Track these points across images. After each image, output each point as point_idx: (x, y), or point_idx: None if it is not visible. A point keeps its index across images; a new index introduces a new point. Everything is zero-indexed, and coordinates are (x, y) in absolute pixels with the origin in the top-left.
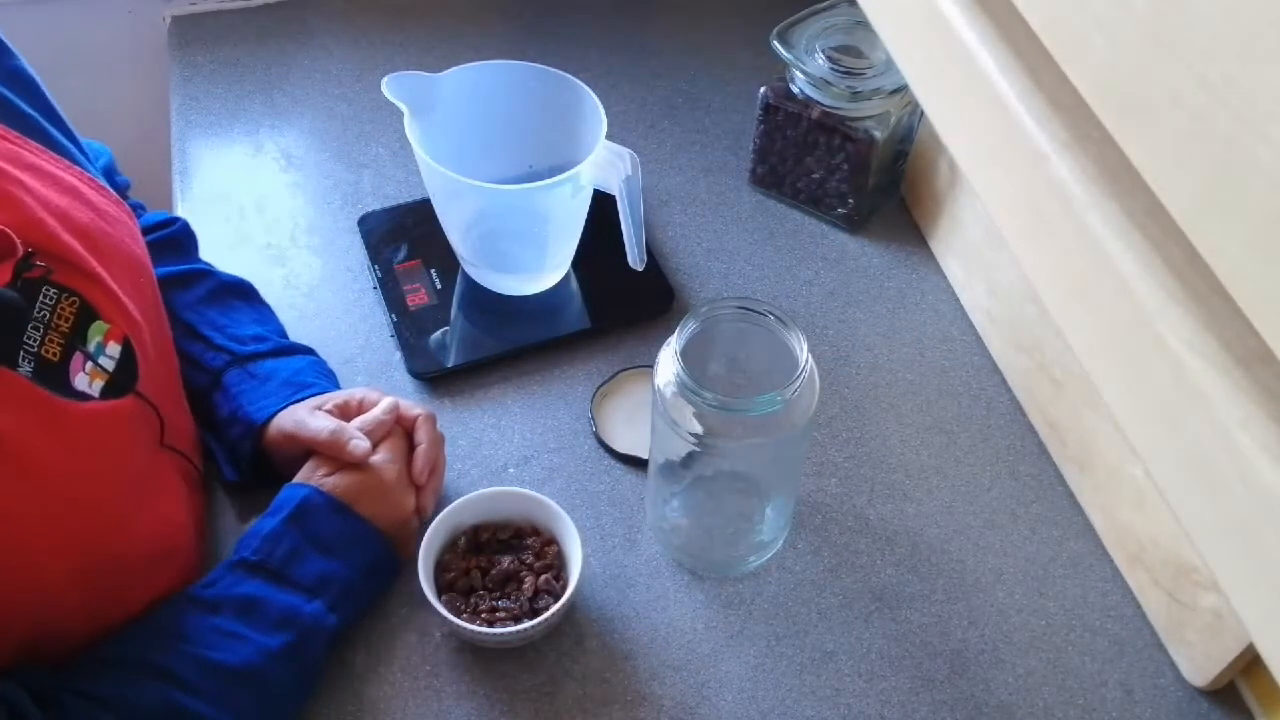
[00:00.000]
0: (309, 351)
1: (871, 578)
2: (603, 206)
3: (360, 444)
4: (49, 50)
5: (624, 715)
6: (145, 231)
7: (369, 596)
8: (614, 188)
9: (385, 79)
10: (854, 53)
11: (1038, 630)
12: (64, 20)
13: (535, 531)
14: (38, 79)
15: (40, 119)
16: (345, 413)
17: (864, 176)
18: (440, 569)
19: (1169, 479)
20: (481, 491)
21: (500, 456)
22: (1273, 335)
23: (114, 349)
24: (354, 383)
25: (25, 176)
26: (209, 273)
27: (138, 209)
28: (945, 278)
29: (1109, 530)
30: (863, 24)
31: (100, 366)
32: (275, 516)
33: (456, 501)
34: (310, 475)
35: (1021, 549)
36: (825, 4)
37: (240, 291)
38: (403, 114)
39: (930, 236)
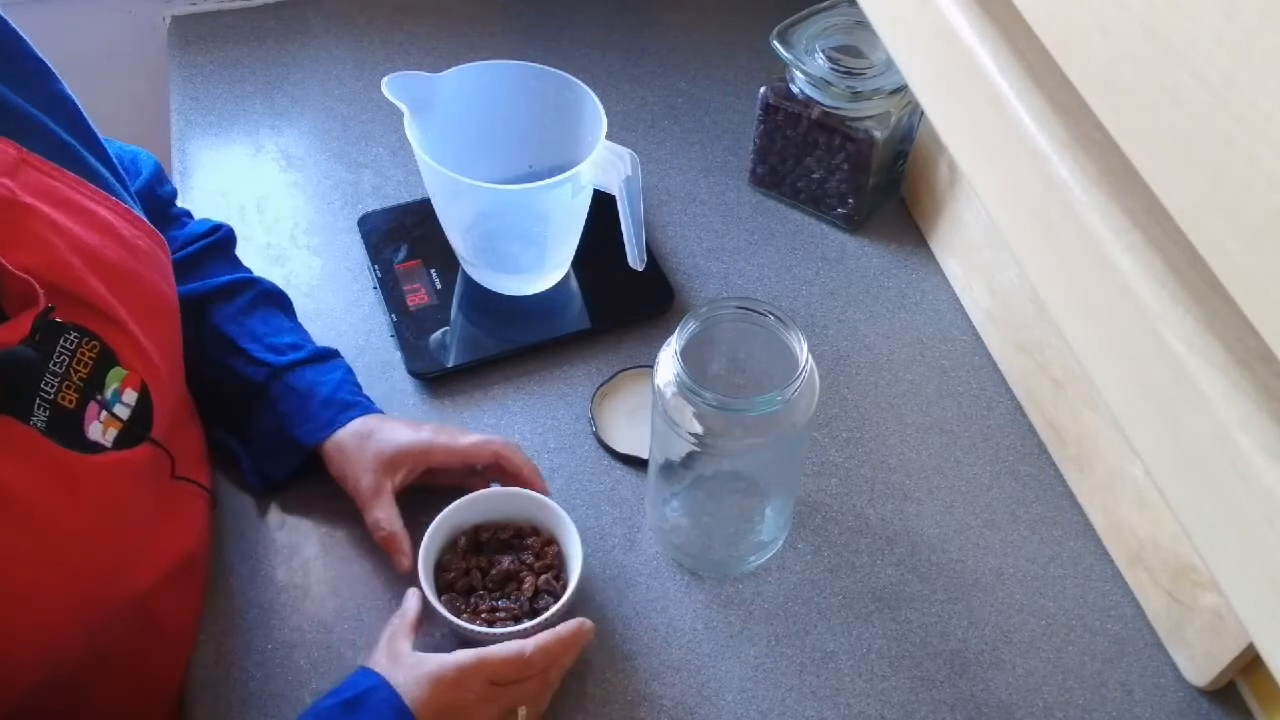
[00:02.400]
0: (338, 354)
1: (871, 578)
2: (603, 206)
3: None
4: (49, 50)
5: (624, 715)
6: (190, 241)
7: None
8: (614, 188)
9: (385, 79)
10: (854, 53)
11: (1038, 630)
12: (64, 20)
13: (535, 531)
14: (77, 101)
15: (79, 146)
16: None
17: (864, 176)
18: (440, 569)
19: (1169, 479)
20: (482, 492)
21: None
22: (1273, 335)
23: (130, 396)
24: None
25: (58, 214)
26: (252, 281)
27: (183, 217)
28: (945, 278)
29: (1109, 530)
30: (863, 24)
31: (115, 415)
32: (334, 698)
33: (456, 502)
34: (400, 659)
35: (1021, 549)
36: (825, 4)
37: (278, 300)
38: (403, 114)
39: (930, 236)
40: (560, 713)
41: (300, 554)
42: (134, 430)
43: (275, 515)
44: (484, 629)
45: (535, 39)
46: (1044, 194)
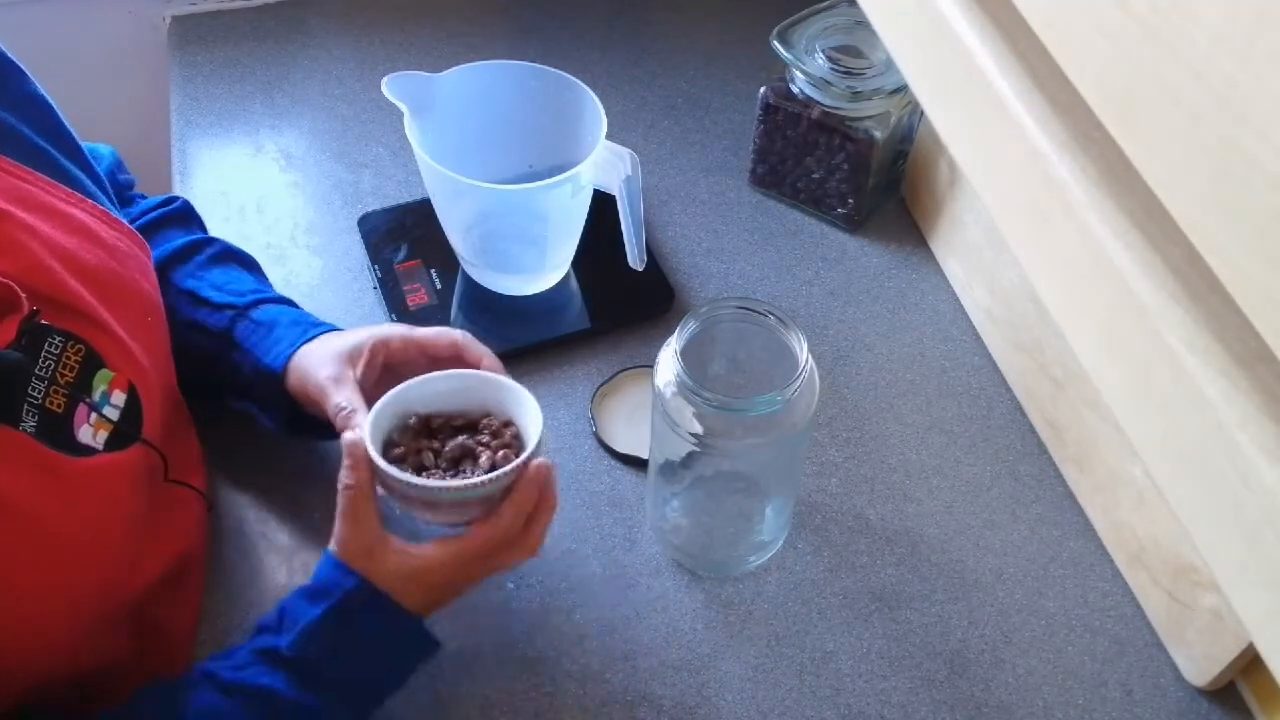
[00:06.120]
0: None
1: (871, 578)
2: (603, 206)
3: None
4: (49, 50)
5: (624, 715)
6: (143, 213)
7: (403, 683)
8: (614, 188)
9: (385, 79)
10: (854, 53)
11: (1038, 630)
12: (64, 20)
13: (489, 415)
14: (51, 103)
15: (50, 149)
16: (401, 356)
17: (864, 176)
18: (388, 446)
19: (1169, 479)
20: (435, 374)
21: None
22: (1273, 335)
23: (119, 397)
24: None
25: (34, 219)
26: (211, 240)
27: (136, 199)
28: (945, 278)
29: (1109, 530)
30: (863, 24)
31: (104, 417)
32: (317, 606)
33: (406, 383)
34: (374, 551)
35: (1021, 549)
36: (825, 4)
37: (244, 260)
38: (403, 114)
39: (930, 236)
40: (560, 713)
41: (300, 554)
42: (124, 431)
43: (275, 515)
44: (437, 483)
45: (535, 39)
46: (1044, 194)
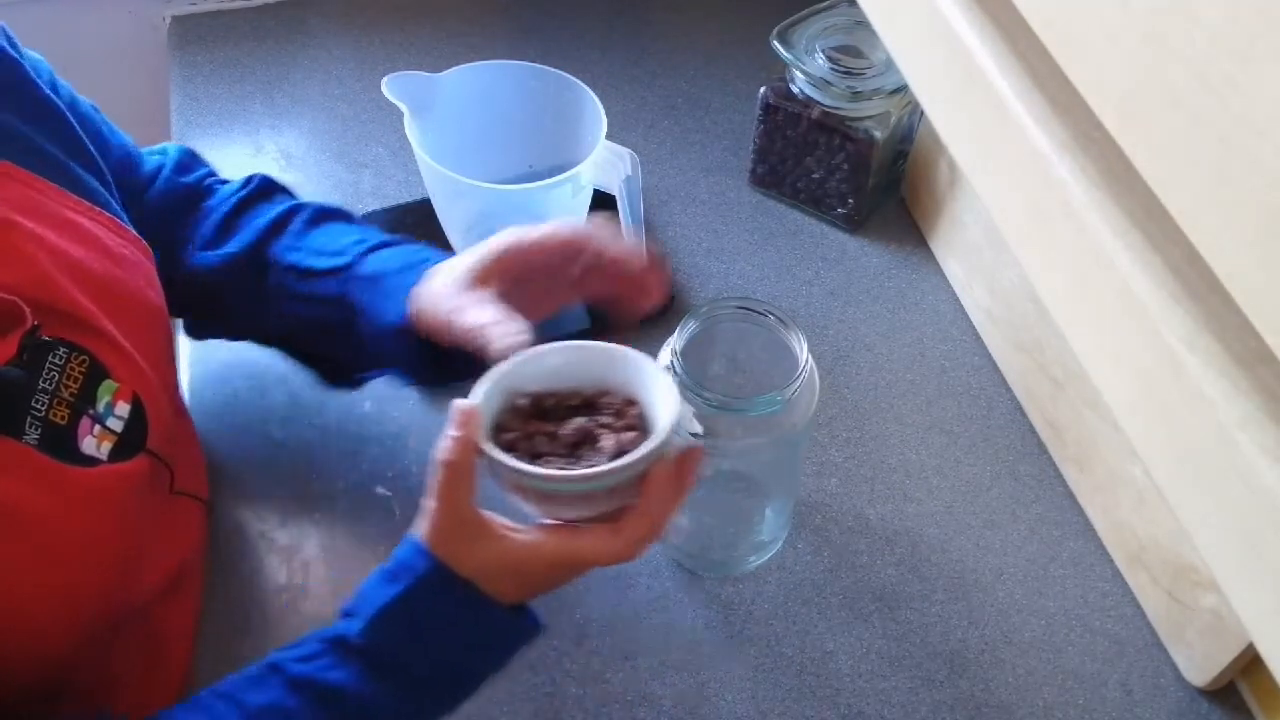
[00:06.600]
0: (409, 239)
1: (871, 578)
2: (603, 206)
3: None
4: (49, 50)
5: (624, 715)
6: (225, 199)
7: (499, 668)
8: (614, 188)
9: (385, 79)
10: (854, 53)
11: (1038, 630)
12: (64, 20)
13: (608, 393)
14: (64, 110)
15: (61, 156)
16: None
17: (864, 176)
18: (497, 431)
19: (1169, 479)
20: (537, 350)
21: None
22: (1273, 335)
23: (123, 409)
24: None
25: (42, 228)
26: (300, 206)
27: (215, 187)
28: (945, 278)
29: (1109, 530)
30: (863, 24)
31: (108, 429)
32: (391, 589)
33: (506, 363)
34: (454, 527)
35: (1021, 549)
36: (825, 4)
37: (339, 214)
38: (403, 114)
39: (930, 236)
40: (560, 713)
41: (300, 554)
42: (129, 442)
43: (275, 516)
44: (558, 472)
45: (535, 39)
46: (1044, 194)
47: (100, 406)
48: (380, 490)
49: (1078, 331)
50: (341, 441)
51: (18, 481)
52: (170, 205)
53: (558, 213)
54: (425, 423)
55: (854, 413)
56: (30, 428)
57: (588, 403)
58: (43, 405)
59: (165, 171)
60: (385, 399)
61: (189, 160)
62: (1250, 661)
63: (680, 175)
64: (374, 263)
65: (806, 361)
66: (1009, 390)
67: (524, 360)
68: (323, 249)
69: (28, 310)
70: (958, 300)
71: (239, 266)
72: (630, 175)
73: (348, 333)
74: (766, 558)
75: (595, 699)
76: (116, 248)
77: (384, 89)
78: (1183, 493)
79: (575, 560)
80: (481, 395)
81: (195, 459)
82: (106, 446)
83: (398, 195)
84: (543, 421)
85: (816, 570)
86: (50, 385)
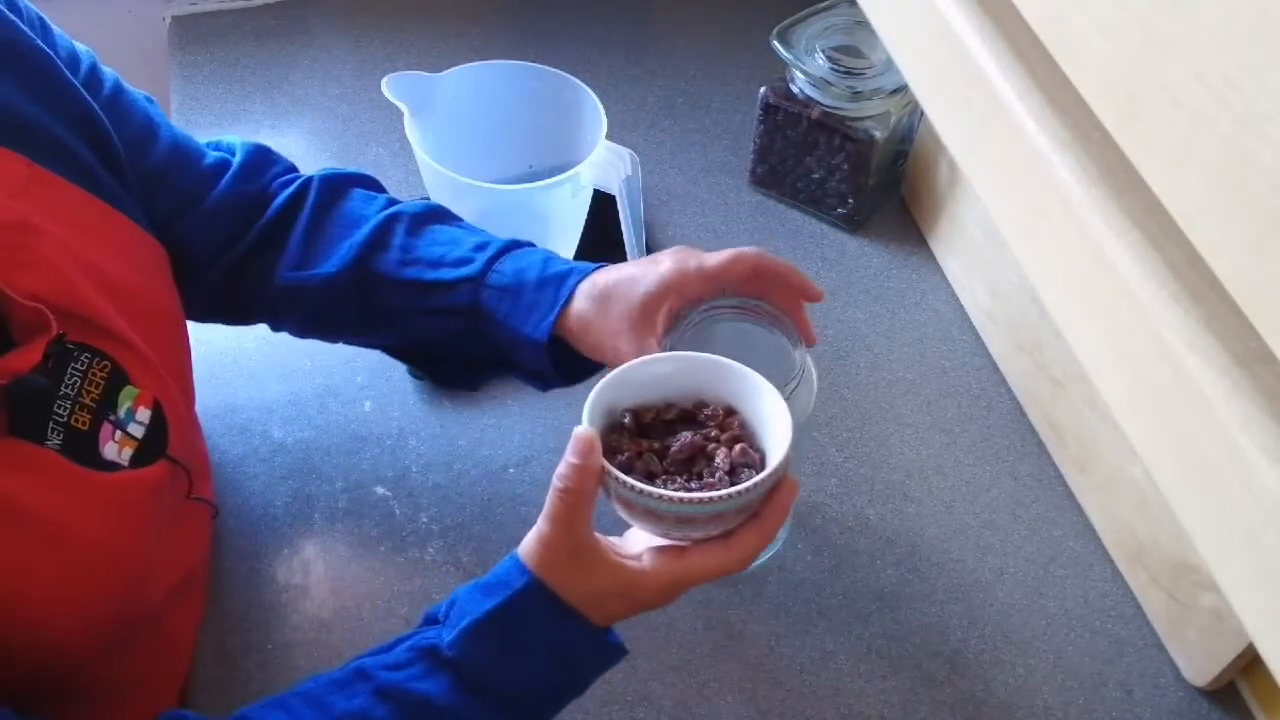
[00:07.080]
0: (530, 243)
1: (871, 578)
2: (603, 206)
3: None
4: None
5: (624, 715)
6: (297, 211)
7: (583, 690)
8: (614, 188)
9: (385, 79)
10: (854, 53)
11: (1038, 630)
12: (64, 20)
13: (703, 401)
14: (95, 106)
15: (90, 158)
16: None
17: (864, 176)
18: (609, 452)
19: (1169, 479)
20: (631, 365)
21: (500, 457)
22: (1273, 335)
23: (144, 414)
24: (355, 384)
25: (66, 233)
26: (396, 215)
27: (277, 191)
28: (945, 278)
29: (1109, 530)
30: (863, 24)
31: (129, 435)
32: (486, 602)
33: (603, 381)
34: (569, 552)
35: (1021, 549)
36: (825, 4)
37: (436, 215)
38: (403, 114)
39: (930, 236)
40: (560, 712)
41: (300, 554)
42: (150, 448)
43: (275, 516)
44: (683, 493)
45: (535, 39)
46: (1044, 194)
47: (121, 412)
48: (380, 490)
49: (1077, 331)
50: (341, 441)
51: (40, 486)
52: (235, 213)
53: (558, 213)
54: (425, 422)
55: (853, 413)
56: (53, 433)
57: (685, 415)
58: (65, 411)
59: (230, 177)
60: (385, 399)
61: (258, 162)
62: (1250, 661)
63: (680, 175)
64: (507, 272)
65: (803, 361)
66: (1009, 390)
67: (619, 375)
68: (441, 259)
69: (53, 319)
70: (958, 300)
71: (341, 286)
72: (630, 175)
73: (477, 341)
74: (766, 558)
75: (595, 699)
76: (134, 251)
77: (384, 89)
78: (1182, 493)
79: (689, 580)
80: (588, 418)
81: (203, 461)
82: (128, 452)
83: (398, 195)
84: (645, 438)
85: (816, 570)
86: (72, 391)
